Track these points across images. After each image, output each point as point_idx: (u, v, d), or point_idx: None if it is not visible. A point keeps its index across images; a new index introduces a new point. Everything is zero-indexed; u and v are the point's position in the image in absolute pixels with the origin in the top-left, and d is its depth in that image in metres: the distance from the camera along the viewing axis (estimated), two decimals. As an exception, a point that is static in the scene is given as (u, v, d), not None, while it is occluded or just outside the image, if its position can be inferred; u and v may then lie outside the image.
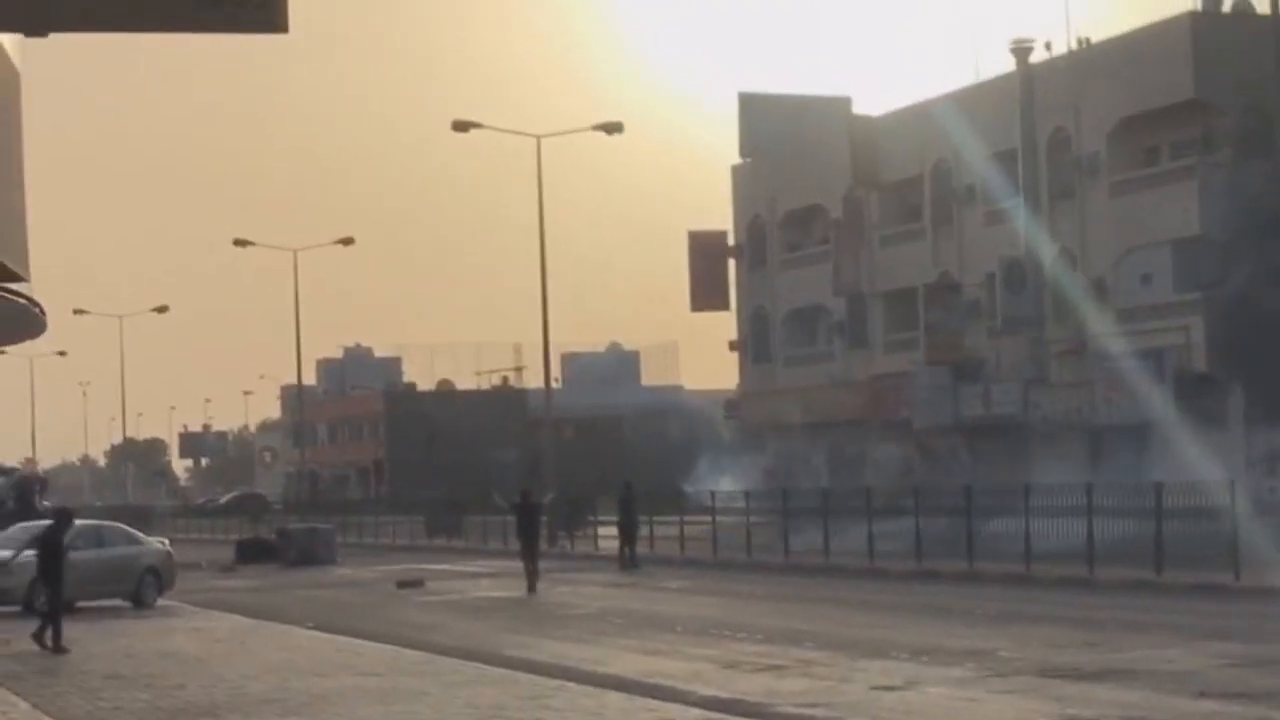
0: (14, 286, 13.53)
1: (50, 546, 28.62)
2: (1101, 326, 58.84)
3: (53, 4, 10.24)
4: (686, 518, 54.63)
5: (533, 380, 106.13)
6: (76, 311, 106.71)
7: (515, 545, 43.88)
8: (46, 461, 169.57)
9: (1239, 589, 32.77)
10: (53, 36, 11.07)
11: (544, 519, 49.36)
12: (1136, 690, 20.10)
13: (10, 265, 12.49)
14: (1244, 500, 35.76)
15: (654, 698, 20.15)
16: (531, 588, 40.04)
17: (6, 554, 36.74)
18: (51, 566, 28.37)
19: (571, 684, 21.36)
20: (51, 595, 28.24)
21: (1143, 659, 22.97)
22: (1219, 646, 24.16)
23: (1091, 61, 62.78)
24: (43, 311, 15.10)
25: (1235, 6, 59.87)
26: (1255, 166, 54.21)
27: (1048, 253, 61.99)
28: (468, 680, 22.17)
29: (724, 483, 62.10)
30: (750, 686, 21.49)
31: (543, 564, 43.13)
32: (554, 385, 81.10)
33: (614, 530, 52.18)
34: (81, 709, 20.47)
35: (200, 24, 10.03)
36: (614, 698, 20.17)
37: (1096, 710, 18.54)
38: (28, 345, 53.50)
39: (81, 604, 34.80)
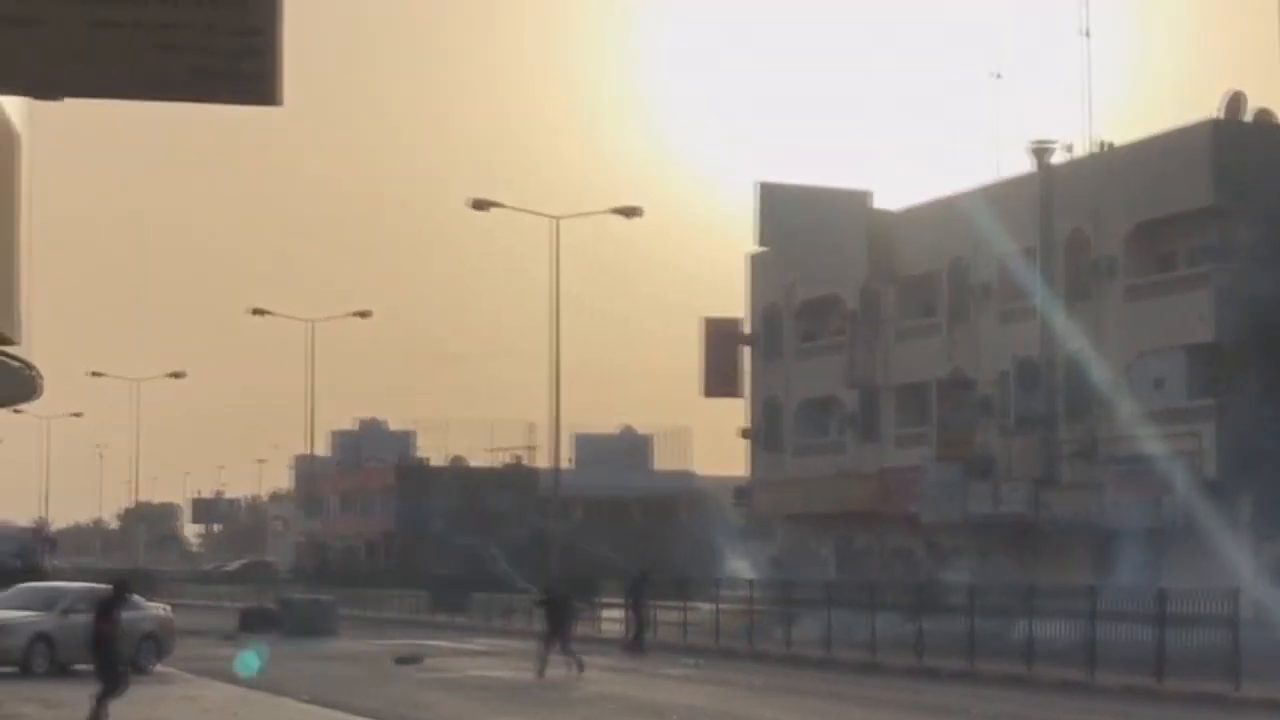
0: (6, 349, 13.45)
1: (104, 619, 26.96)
2: (1113, 430, 58.64)
3: (52, 68, 10.19)
4: (690, 604, 54.42)
5: (544, 460, 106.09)
6: (93, 374, 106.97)
7: (518, 624, 43.60)
8: (59, 522, 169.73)
9: (1238, 699, 32.54)
10: (68, 103, 11.11)
11: (577, 609, 47.07)
12: None
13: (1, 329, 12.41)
14: (1247, 609, 35.49)
15: None
16: (541, 672, 38.90)
17: (13, 616, 36.76)
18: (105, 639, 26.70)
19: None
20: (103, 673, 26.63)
21: None
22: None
23: (1111, 165, 62.77)
24: (38, 374, 15.02)
25: (1257, 117, 59.87)
26: (1270, 275, 54.14)
27: (1064, 352, 61.85)
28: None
29: (732, 570, 61.95)
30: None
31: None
32: (565, 465, 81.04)
33: (618, 613, 51.98)
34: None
35: (196, 93, 10.00)
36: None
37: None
38: (43, 407, 53.63)
39: (78, 666, 34.59)
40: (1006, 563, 57.05)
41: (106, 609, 27.11)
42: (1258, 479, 51.98)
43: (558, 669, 38.20)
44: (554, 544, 68.14)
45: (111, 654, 26.68)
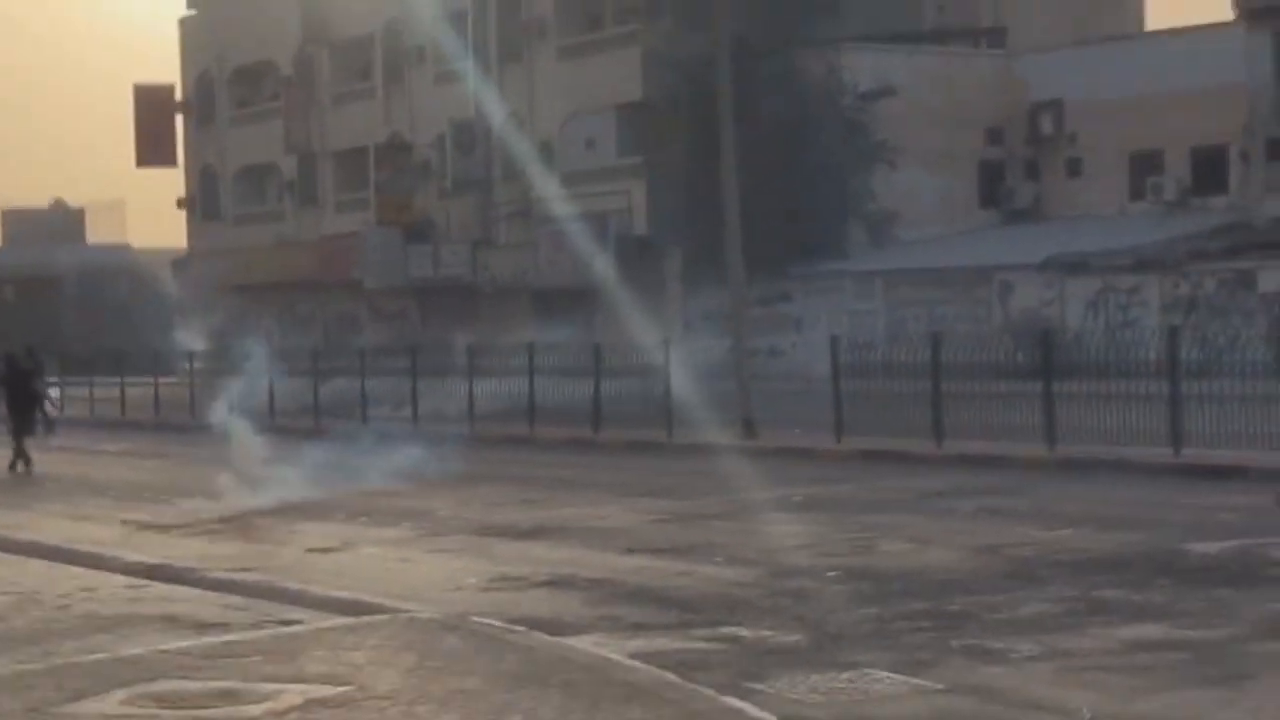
0: None
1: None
2: (547, 190, 59.55)
3: None
4: (129, 379, 53.58)
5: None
6: None
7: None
8: None
9: (671, 445, 33.73)
10: None
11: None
12: (568, 547, 20.47)
13: None
14: (677, 361, 36.61)
15: (79, 565, 19.66)
16: (23, 463, 34.00)
17: None
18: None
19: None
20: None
21: (576, 516, 23.44)
22: (649, 503, 24.80)
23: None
24: None
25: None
26: (696, 34, 55.39)
27: (497, 115, 62.35)
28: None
29: (176, 344, 61.10)
30: (183, 550, 21.15)
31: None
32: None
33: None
34: None
35: None
36: (36, 565, 19.59)
37: (528, 567, 18.74)
38: None
39: None
40: (449, 324, 57.65)
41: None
42: (686, 235, 53.56)
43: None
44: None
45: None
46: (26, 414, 35.25)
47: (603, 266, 53.86)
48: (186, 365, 53.23)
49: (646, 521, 22.67)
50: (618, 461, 32.55)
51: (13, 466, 33.52)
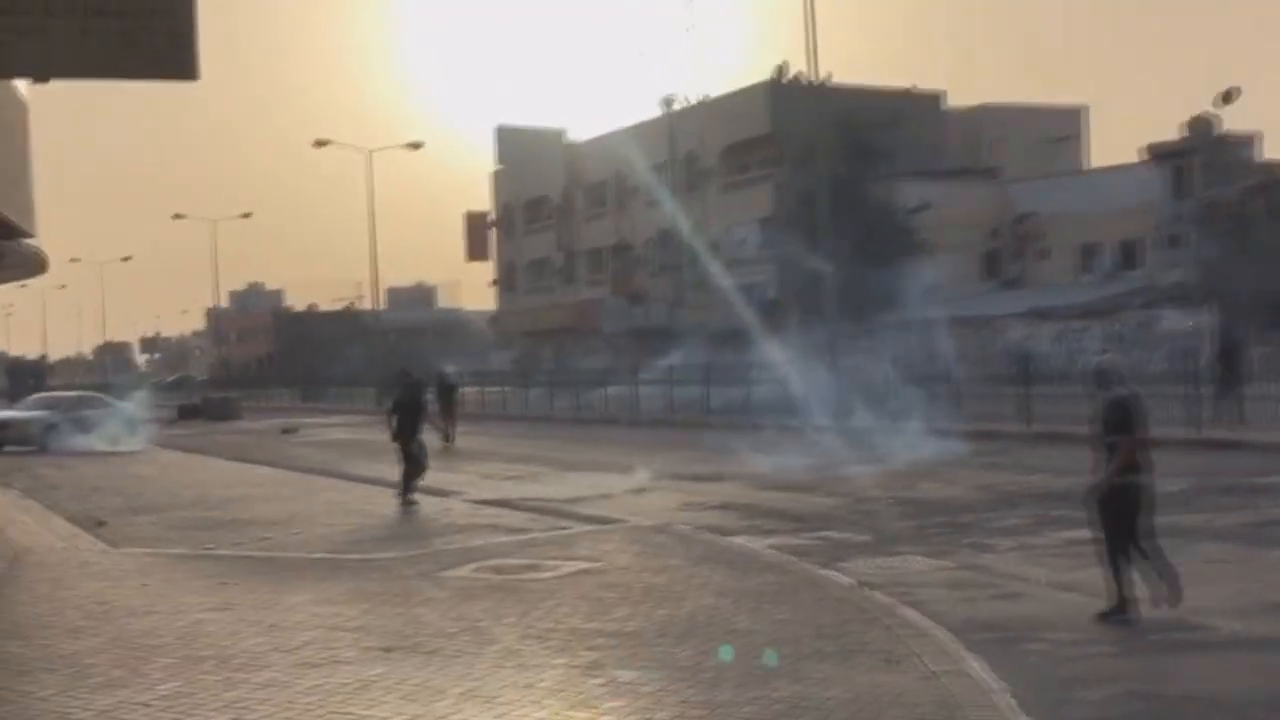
0: (25, 240, 13.12)
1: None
2: (715, 270, 59.69)
3: (45, 60, 9.52)
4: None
5: (368, 304, 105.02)
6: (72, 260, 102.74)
7: (360, 405, 40.60)
8: (53, 356, 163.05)
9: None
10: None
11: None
12: (731, 485, 20.38)
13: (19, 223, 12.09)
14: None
15: (446, 497, 19.62)
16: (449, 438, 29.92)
17: (33, 414, 35.70)
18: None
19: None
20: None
21: (734, 470, 23.14)
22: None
23: (710, 108, 63.64)
24: (45, 256, 14.62)
25: (795, 77, 60.89)
26: (803, 175, 55.42)
27: (684, 226, 62.68)
28: (324, 488, 22.03)
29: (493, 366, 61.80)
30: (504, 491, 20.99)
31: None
32: (380, 307, 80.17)
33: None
34: (77, 507, 20.05)
35: (123, 71, 9.09)
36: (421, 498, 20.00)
37: (704, 498, 18.74)
38: (38, 280, 51.53)
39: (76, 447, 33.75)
40: (655, 354, 57.88)
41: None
42: (803, 298, 53.33)
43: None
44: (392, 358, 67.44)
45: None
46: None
47: (749, 318, 53.75)
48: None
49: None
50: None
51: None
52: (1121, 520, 9.64)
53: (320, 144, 64.69)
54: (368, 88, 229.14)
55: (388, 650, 8.91)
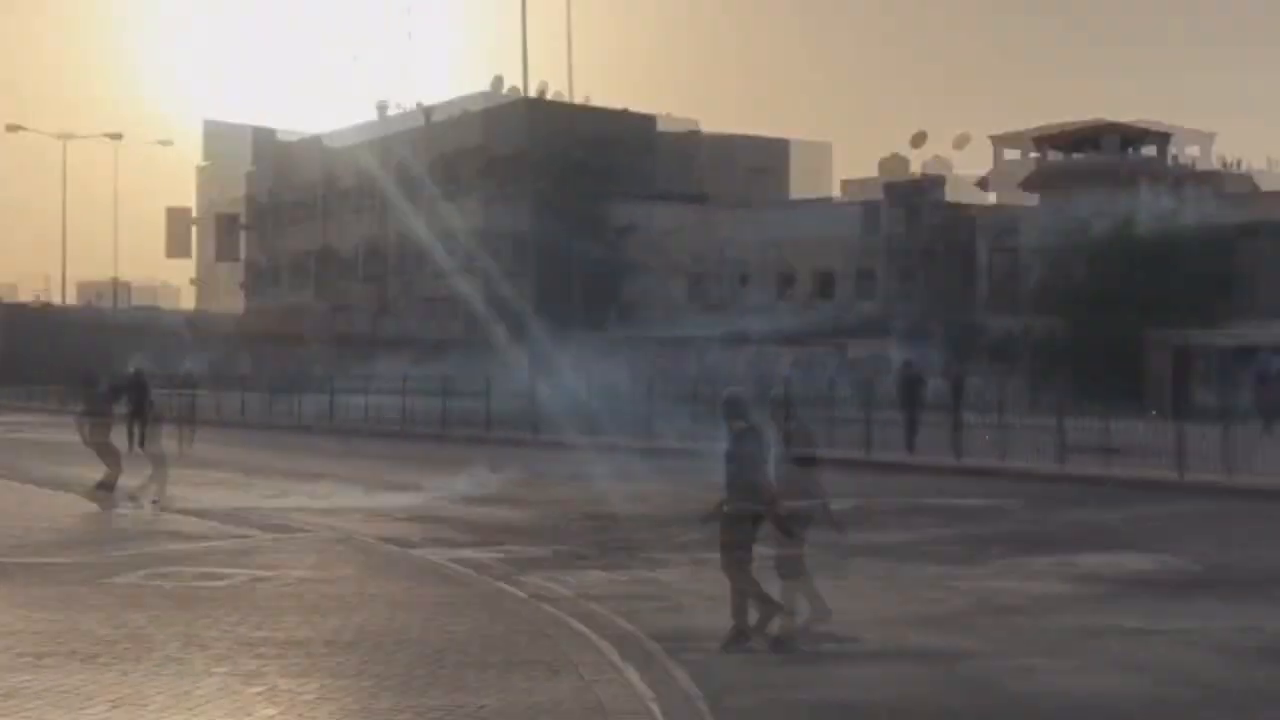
0: None
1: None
2: (427, 276, 59.40)
3: None
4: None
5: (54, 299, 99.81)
6: None
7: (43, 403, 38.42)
8: None
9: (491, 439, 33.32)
10: None
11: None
12: (420, 495, 20.28)
13: None
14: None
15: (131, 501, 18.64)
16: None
17: None
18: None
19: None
20: None
21: (425, 481, 23.06)
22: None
23: (428, 117, 63.51)
24: None
25: (512, 90, 61.42)
26: (511, 192, 55.64)
27: (392, 232, 62.27)
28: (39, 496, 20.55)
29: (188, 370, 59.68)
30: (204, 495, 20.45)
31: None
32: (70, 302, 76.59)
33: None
34: None
35: None
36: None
37: (393, 508, 18.69)
38: None
39: None
40: (359, 358, 57.06)
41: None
42: (504, 314, 53.17)
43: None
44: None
45: None
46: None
47: (454, 330, 53.59)
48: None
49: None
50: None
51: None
52: (736, 543, 10.03)
53: (12, 129, 61.57)
54: (68, 76, 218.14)
55: (39, 657, 8.65)
